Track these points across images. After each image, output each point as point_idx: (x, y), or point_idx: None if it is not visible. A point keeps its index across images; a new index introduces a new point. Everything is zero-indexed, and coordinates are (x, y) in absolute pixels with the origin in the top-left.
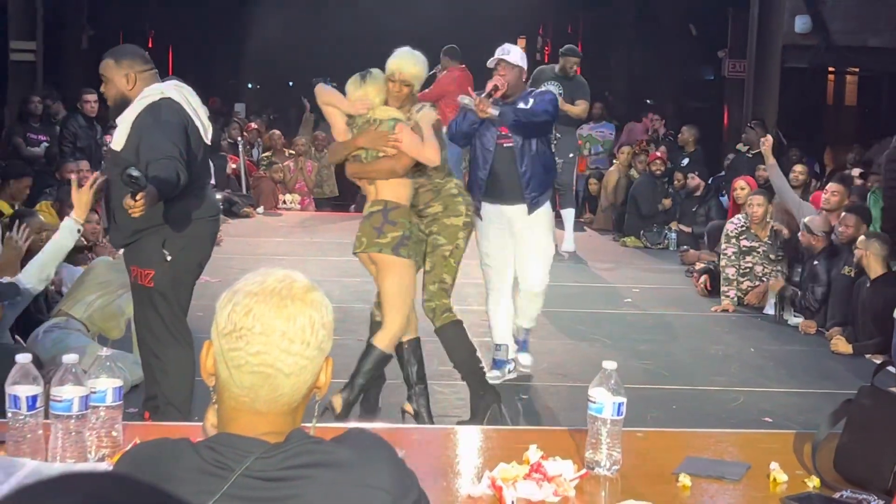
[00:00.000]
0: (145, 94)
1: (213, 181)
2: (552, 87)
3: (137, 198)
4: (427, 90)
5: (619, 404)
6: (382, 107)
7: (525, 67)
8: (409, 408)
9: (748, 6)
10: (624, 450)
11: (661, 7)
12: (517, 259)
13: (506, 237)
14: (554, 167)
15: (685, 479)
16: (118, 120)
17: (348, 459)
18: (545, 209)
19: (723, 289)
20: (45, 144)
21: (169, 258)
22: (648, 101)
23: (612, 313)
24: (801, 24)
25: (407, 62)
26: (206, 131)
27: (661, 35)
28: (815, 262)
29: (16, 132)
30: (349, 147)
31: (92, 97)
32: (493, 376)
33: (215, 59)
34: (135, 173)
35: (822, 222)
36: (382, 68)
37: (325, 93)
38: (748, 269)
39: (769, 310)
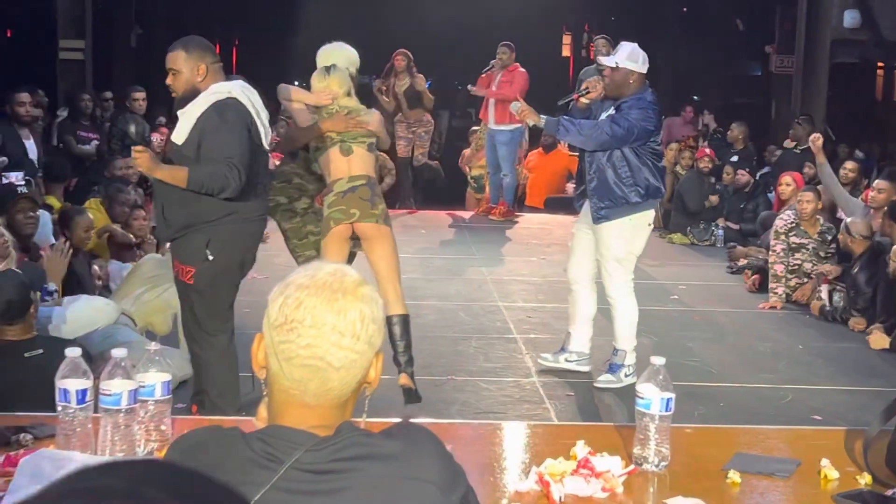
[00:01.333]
0: (213, 90)
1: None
2: None
3: (138, 148)
4: (508, 86)
5: (668, 400)
6: (345, 97)
7: (633, 69)
8: (406, 380)
9: (796, 1)
10: (672, 446)
11: (707, 2)
12: None
13: (588, 235)
14: (635, 182)
15: (735, 476)
16: (181, 112)
17: (397, 452)
18: (612, 226)
19: (771, 286)
20: (96, 142)
21: (210, 258)
22: (695, 98)
23: (658, 310)
24: (850, 18)
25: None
26: (265, 135)
27: (708, 30)
28: (856, 270)
29: (66, 130)
30: (315, 131)
31: (141, 95)
32: (543, 358)
33: (262, 57)
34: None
35: (864, 226)
36: (430, 63)
37: (290, 91)
38: (797, 266)
39: None
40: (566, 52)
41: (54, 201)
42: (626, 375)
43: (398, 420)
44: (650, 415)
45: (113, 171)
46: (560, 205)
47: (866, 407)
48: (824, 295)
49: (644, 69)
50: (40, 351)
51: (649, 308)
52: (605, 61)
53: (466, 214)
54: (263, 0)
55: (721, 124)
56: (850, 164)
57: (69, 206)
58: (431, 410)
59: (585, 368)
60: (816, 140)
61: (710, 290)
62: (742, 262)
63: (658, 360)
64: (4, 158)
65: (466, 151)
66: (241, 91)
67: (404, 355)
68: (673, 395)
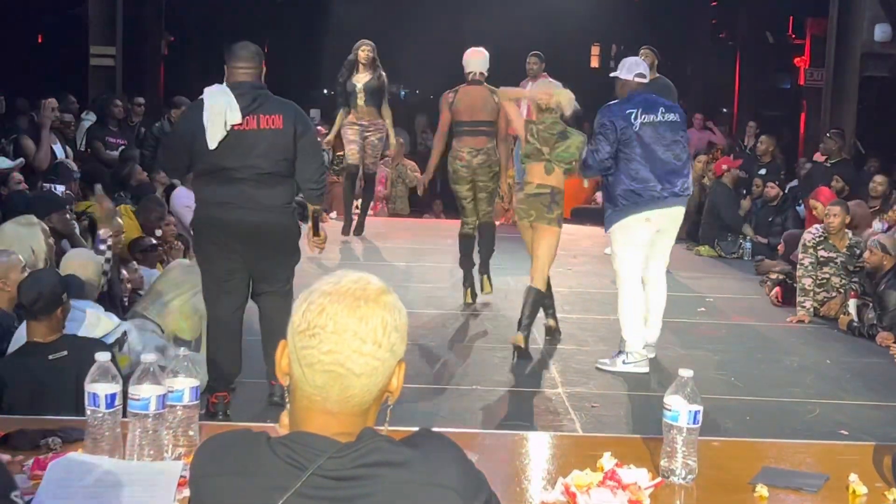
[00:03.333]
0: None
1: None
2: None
3: None
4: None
5: (696, 412)
6: (551, 111)
7: (618, 76)
8: (519, 339)
9: (827, 14)
10: (700, 459)
11: (737, 15)
12: None
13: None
14: (608, 197)
15: (762, 490)
16: None
17: (418, 459)
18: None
19: (799, 299)
20: (123, 148)
21: (192, 232)
22: (724, 110)
23: (685, 322)
24: (881, 32)
25: None
26: (212, 135)
27: (738, 44)
28: (882, 287)
29: (95, 135)
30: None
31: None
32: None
33: (291, 65)
34: None
35: (890, 241)
36: (457, 73)
37: (508, 91)
38: (825, 280)
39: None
40: (595, 63)
41: (95, 208)
42: (625, 363)
43: (419, 428)
44: (678, 427)
45: (148, 178)
46: (587, 215)
47: (894, 422)
48: (852, 309)
49: (628, 75)
50: (65, 353)
51: (676, 320)
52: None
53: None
54: (294, 7)
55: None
56: (878, 178)
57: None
58: (456, 420)
59: (644, 370)
60: None
61: (738, 303)
62: (772, 275)
63: (686, 373)
64: (22, 159)
65: None
66: (210, 93)
67: (525, 321)
68: (701, 408)
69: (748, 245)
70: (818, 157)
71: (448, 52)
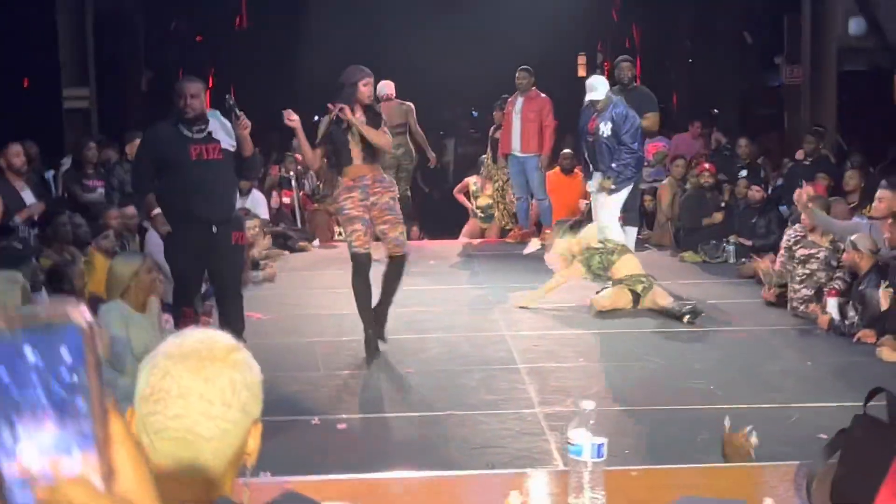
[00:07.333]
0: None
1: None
2: None
3: None
4: (537, 116)
5: (599, 446)
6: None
7: None
8: None
9: (800, 11)
10: (615, 490)
11: (716, 16)
12: None
13: None
14: None
15: None
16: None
17: None
18: None
19: (764, 278)
20: (101, 191)
21: None
22: (715, 111)
23: (667, 331)
24: (856, 26)
25: None
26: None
27: (718, 44)
28: (862, 287)
29: (72, 180)
30: None
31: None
32: None
33: (275, 95)
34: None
35: (870, 241)
36: (439, 91)
37: None
38: (806, 276)
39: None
40: (582, 72)
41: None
42: None
43: (286, 490)
44: (582, 461)
45: (108, 220)
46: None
47: None
48: (831, 308)
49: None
50: None
51: (658, 330)
52: None
53: (475, 242)
54: (272, 40)
55: (739, 138)
56: (849, 173)
57: (56, 260)
58: (428, 448)
59: None
60: (800, 197)
61: (720, 309)
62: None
63: (588, 405)
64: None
65: (469, 180)
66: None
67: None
68: (605, 441)
69: (731, 248)
70: (800, 154)
71: (440, 63)
